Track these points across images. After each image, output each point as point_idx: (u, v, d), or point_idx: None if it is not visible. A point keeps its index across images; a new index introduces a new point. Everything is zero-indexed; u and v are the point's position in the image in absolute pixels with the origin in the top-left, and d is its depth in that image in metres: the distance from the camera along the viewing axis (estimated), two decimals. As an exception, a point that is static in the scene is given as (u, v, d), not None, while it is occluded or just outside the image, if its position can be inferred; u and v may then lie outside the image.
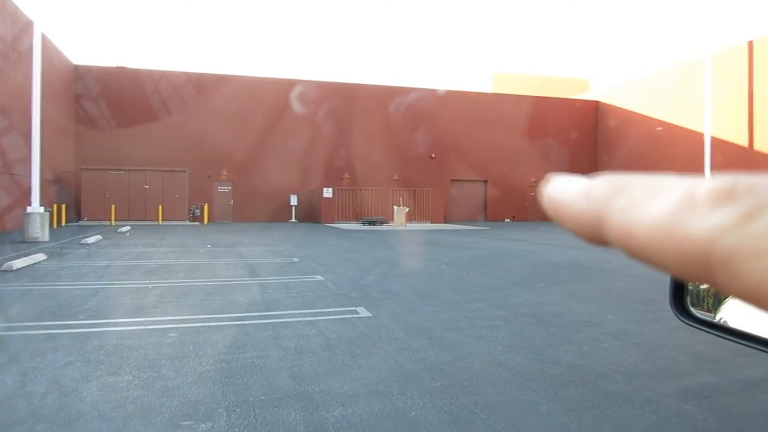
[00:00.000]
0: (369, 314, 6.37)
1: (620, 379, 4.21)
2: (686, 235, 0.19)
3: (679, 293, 0.64)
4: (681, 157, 28.12)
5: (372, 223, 27.33)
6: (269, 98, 29.42)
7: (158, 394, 3.78)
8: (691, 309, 0.63)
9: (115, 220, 26.30)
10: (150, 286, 8.39)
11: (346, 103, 30.62)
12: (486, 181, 33.64)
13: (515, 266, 11.52)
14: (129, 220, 26.54)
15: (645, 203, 0.20)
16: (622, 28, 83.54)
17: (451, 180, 32.65)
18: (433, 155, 31.90)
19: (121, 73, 28.57)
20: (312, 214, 29.76)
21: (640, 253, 0.20)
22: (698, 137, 27.11)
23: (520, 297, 7.67)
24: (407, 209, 28.37)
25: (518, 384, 4.08)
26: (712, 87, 26.71)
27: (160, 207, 27.39)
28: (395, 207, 28.28)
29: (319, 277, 9.28)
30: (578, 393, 3.90)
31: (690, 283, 0.63)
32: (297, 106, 28.89)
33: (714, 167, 25.52)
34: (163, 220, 27.30)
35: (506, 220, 33.04)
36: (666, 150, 29.65)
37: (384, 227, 26.13)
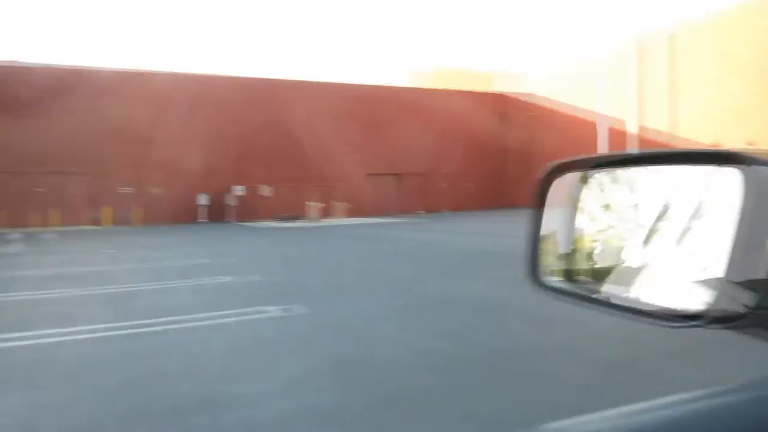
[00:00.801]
0: (283, 312, 6.18)
1: (532, 357, 4.30)
2: None
3: (533, 265, 0.68)
4: (576, 146, 29.50)
5: (287, 219, 26.89)
6: (171, 94, 28.13)
7: (51, 412, 3.43)
8: (544, 278, 0.67)
9: (8, 227, 24.25)
10: (43, 296, 7.73)
11: (256, 98, 29.85)
12: (400, 174, 33.96)
13: (431, 256, 11.65)
14: (21, 225, 24.55)
15: None
16: (527, 21, 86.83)
17: (366, 174, 32.70)
18: (348, 149, 31.81)
19: (8, 69, 26.31)
20: (223, 214, 28.82)
21: None
22: (592, 125, 28.77)
23: (440, 285, 7.73)
24: (321, 205, 28.17)
25: (438, 369, 4.06)
26: (606, 80, 28.30)
27: (56, 210, 25.56)
28: (310, 203, 27.99)
29: (229, 278, 8.95)
30: (497, 374, 3.93)
31: (544, 253, 0.68)
32: (188, 102, 27.81)
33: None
34: (61, 224, 25.50)
35: (419, 212, 33.55)
36: (562, 139, 31.17)
37: (299, 224, 25.79)
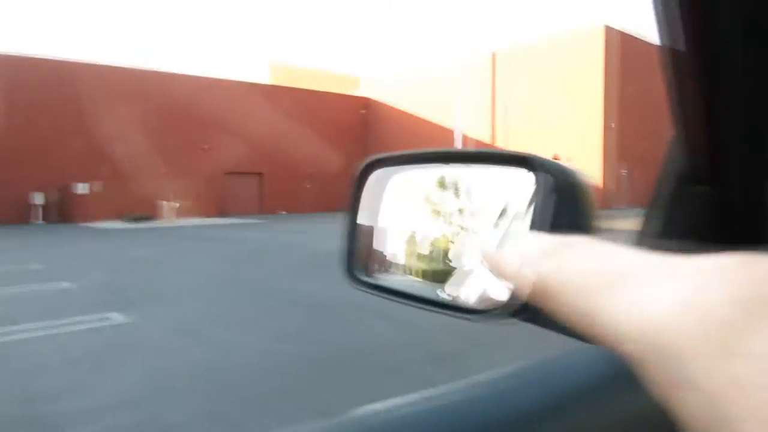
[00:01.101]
0: (125, 319, 5.81)
1: (378, 353, 4.46)
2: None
3: (349, 260, 0.68)
4: (435, 144, 31.20)
5: (137, 220, 25.21)
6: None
7: None
8: (359, 274, 0.68)
9: None
10: None
11: (106, 89, 27.61)
12: (261, 174, 33.32)
13: (286, 258, 11.57)
14: None
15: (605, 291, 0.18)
16: (390, 27, 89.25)
17: (225, 173, 31.63)
18: (205, 147, 30.55)
19: None
20: (64, 214, 26.29)
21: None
22: (450, 133, 30.41)
23: (290, 286, 7.70)
24: (178, 204, 26.78)
25: (284, 370, 4.06)
26: (462, 90, 30.16)
27: None
28: (164, 202, 26.50)
29: (65, 284, 8.21)
30: (343, 371, 4.02)
31: (361, 248, 0.69)
32: (20, 90, 25.19)
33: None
34: None
35: (281, 212, 33.18)
36: (424, 142, 32.60)
37: (152, 224, 24.31)
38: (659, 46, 0.48)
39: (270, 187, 33.59)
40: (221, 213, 30.34)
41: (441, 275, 0.61)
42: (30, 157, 25.68)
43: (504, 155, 0.57)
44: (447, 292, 0.61)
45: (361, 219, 0.68)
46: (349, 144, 35.74)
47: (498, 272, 0.23)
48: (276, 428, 3.19)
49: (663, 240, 0.63)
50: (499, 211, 0.57)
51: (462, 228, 0.60)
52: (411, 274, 0.65)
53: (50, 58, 27.96)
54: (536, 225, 0.47)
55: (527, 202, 0.51)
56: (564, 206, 0.48)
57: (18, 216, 25.73)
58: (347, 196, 0.68)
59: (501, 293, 0.48)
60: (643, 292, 0.15)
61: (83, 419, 3.27)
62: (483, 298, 0.54)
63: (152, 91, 29.12)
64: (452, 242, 0.61)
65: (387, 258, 0.69)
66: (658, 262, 0.16)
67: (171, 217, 25.65)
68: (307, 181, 34.40)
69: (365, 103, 38.09)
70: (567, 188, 0.49)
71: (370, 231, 0.69)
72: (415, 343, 4.79)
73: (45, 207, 26.40)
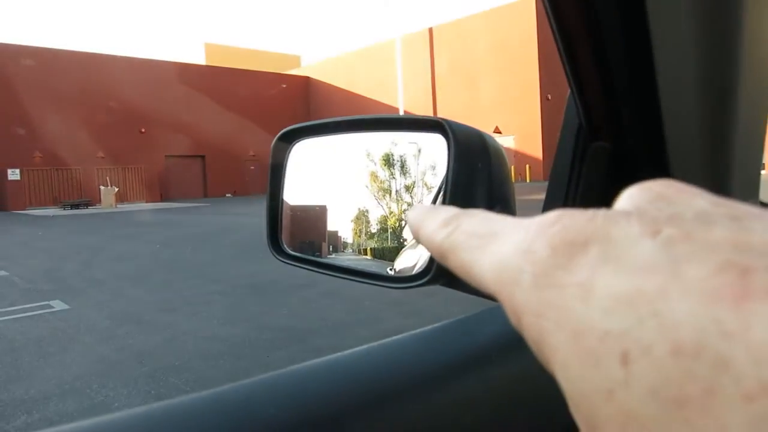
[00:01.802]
0: (66, 306, 5.68)
1: (328, 333, 4.55)
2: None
3: (273, 234, 0.68)
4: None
5: (75, 206, 24.27)
6: None
7: None
8: (285, 247, 0.68)
9: None
10: None
11: (25, 70, 26.21)
12: (203, 156, 32.55)
13: (233, 240, 11.46)
14: None
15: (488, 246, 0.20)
16: (331, 7, 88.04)
17: (166, 156, 30.74)
18: (143, 130, 29.55)
19: None
20: (-6, 201, 25.06)
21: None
22: (394, 111, 30.40)
23: (237, 269, 7.67)
24: (116, 189, 25.93)
25: (232, 354, 4.10)
26: (402, 64, 30.15)
27: None
28: (102, 187, 25.59)
29: (2, 273, 7.91)
30: (289, 353, 4.09)
31: (283, 222, 0.68)
32: None
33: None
34: None
35: (227, 195, 32.60)
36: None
37: (90, 210, 23.47)
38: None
39: (213, 169, 32.88)
40: (164, 197, 29.56)
41: (393, 253, 0.61)
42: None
43: (417, 120, 0.56)
44: (366, 259, 0.63)
45: (284, 192, 0.68)
46: (292, 122, 35.27)
47: (416, 238, 0.26)
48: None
49: (565, 202, 0.63)
50: (408, 175, 0.58)
51: (409, 204, 0.60)
52: (360, 252, 0.64)
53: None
54: (448, 189, 0.48)
55: (439, 166, 0.52)
56: (474, 170, 0.49)
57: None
58: (269, 167, 0.67)
59: (423, 261, 0.52)
60: (497, 246, 0.19)
61: (29, 407, 3.23)
62: (408, 267, 0.55)
63: (87, 74, 27.87)
64: (401, 220, 0.61)
65: (305, 229, 0.70)
66: (517, 222, 0.20)
67: (110, 202, 24.83)
68: (250, 163, 33.82)
69: (306, 82, 37.63)
70: (478, 153, 0.50)
71: (294, 205, 0.69)
72: (363, 321, 4.90)
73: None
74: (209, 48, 43.22)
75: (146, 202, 27.58)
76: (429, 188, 0.56)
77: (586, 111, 0.59)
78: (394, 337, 0.54)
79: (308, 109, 36.93)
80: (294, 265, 0.67)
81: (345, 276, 0.60)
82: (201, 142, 31.76)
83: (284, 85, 36.16)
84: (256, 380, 0.44)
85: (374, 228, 0.63)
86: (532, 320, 0.16)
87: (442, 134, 0.50)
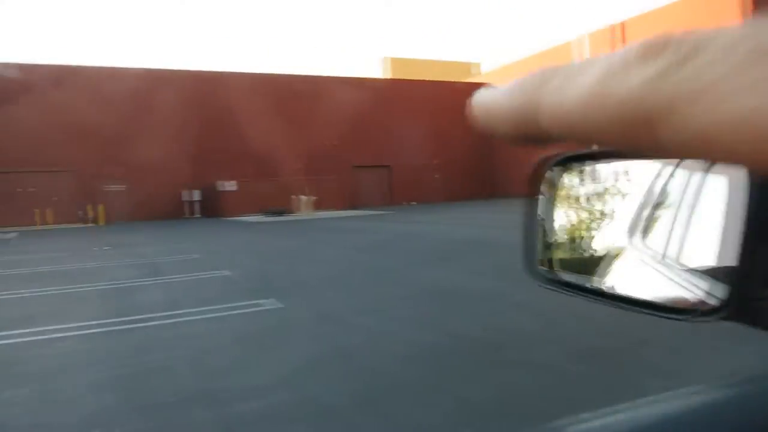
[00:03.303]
0: (278, 305, 6.32)
1: (520, 347, 4.47)
2: (620, 96, 0.18)
3: (528, 256, 0.67)
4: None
5: (278, 213, 26.92)
6: (155, 90, 28.01)
7: (55, 407, 3.56)
8: (544, 271, 0.67)
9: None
10: (41, 293, 7.82)
11: (243, 92, 29.77)
12: (388, 166, 34.08)
13: (419, 247, 11.81)
14: (14, 225, 24.43)
15: (577, 78, 0.20)
16: (508, 12, 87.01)
17: (354, 167, 32.78)
18: (335, 142, 31.85)
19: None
20: (214, 209, 28.82)
21: (578, 132, 0.20)
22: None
23: (425, 276, 7.89)
24: (312, 198, 28.20)
25: (425, 360, 4.23)
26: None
27: (48, 210, 25.46)
28: (300, 196, 28.03)
29: (225, 272, 9.06)
30: (480, 363, 4.10)
31: (542, 246, 0.67)
32: (174, 99, 27.63)
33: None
34: (53, 223, 25.41)
35: (411, 203, 33.70)
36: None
37: (290, 217, 25.84)
38: None
39: (398, 178, 34.22)
40: (352, 205, 31.45)
41: (619, 267, 0.59)
42: (182, 159, 28.32)
43: None
44: (632, 287, 0.59)
45: (539, 212, 0.67)
46: (474, 132, 35.27)
47: (489, 111, 0.23)
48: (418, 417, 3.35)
49: None
50: (679, 205, 0.55)
51: (645, 221, 0.58)
52: (587, 267, 0.63)
53: (203, 70, 30.52)
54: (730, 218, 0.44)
55: (715, 195, 0.48)
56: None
57: (173, 212, 28.59)
58: (525, 192, 0.67)
59: (688, 290, 0.49)
60: (592, 70, 0.19)
61: (251, 396, 3.64)
62: (669, 296, 0.52)
63: (283, 93, 30.79)
64: (632, 235, 0.60)
65: (565, 251, 0.68)
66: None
67: (306, 210, 27.09)
68: (434, 172, 34.61)
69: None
70: None
71: (552, 226, 0.68)
72: (557, 337, 4.74)
73: (195, 203, 29.03)
74: (388, 62, 45.15)
75: (337, 210, 29.63)
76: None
77: None
78: None
79: (489, 116, 36.72)
80: (551, 289, 0.66)
81: (613, 303, 0.58)
82: (386, 152, 33.32)
83: (463, 93, 36.44)
84: None
85: (637, 257, 0.60)
86: (687, 108, 0.16)
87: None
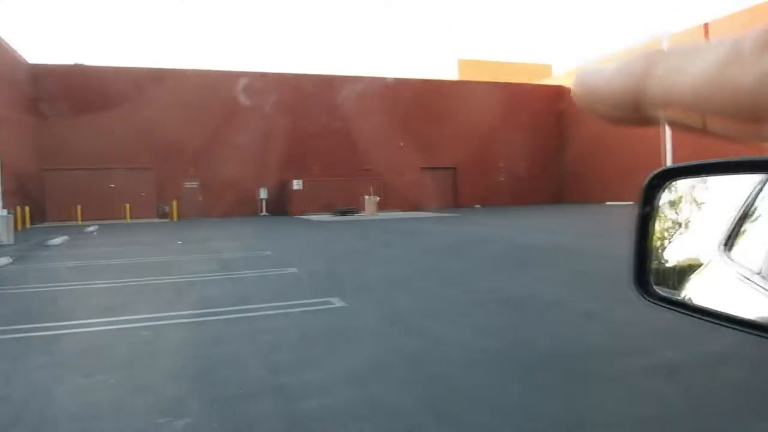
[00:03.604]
0: (344, 304, 6.40)
1: (590, 359, 4.33)
2: (735, 84, 0.18)
3: (641, 272, 0.65)
4: (640, 142, 28.58)
5: (343, 213, 27.28)
6: (230, 91, 28.99)
7: (132, 393, 3.75)
8: (653, 288, 0.65)
9: (82, 220, 25.69)
10: (121, 285, 8.27)
11: (311, 93, 30.37)
12: (455, 168, 33.84)
13: (485, 251, 11.67)
14: (96, 219, 25.92)
15: (688, 64, 0.20)
16: (582, 11, 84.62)
17: (421, 168, 32.75)
18: (401, 143, 31.93)
19: (78, 71, 27.82)
20: (282, 207, 29.56)
21: (686, 117, 0.20)
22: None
23: (491, 281, 7.79)
24: (378, 198, 28.39)
25: (491, 367, 4.17)
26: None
27: (128, 205, 26.86)
28: (366, 197, 28.28)
29: (292, 269, 9.27)
30: (550, 374, 4.00)
31: (652, 261, 0.66)
32: (246, 99, 28.42)
33: (674, 150, 26.11)
34: (131, 218, 26.79)
35: (476, 205, 33.34)
36: (625, 135, 30.23)
37: (355, 217, 26.13)
38: None
39: (463, 180, 33.95)
40: (417, 207, 31.44)
41: (738, 287, 0.56)
42: (251, 158, 29.15)
43: None
44: (756, 309, 0.56)
45: (650, 228, 0.64)
46: (542, 134, 34.58)
47: (592, 91, 0.22)
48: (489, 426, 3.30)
49: None
50: None
51: (761, 239, 0.56)
52: (700, 287, 0.60)
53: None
54: None
55: None
56: None
57: (242, 209, 29.54)
58: (635, 206, 0.65)
59: None
60: (710, 48, 0.19)
61: (318, 392, 3.71)
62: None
63: (350, 93, 31.15)
64: (748, 252, 0.57)
65: (675, 270, 0.65)
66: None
67: (372, 210, 27.29)
68: (500, 175, 34.11)
69: (557, 92, 36.36)
70: None
71: (656, 241, 0.65)
72: (630, 350, 4.56)
73: (262, 201, 29.86)
74: (462, 63, 44.83)
75: (402, 211, 29.69)
76: None
77: None
78: None
79: (559, 119, 35.84)
80: (664, 308, 0.64)
81: (729, 325, 0.54)
82: (452, 154, 33.12)
83: (534, 96, 35.69)
84: None
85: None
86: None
87: None
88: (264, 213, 29.74)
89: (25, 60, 26.42)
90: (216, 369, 4.23)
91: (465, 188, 33.90)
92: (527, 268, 9.10)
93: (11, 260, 11.26)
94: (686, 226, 0.66)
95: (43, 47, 75.88)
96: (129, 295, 7.44)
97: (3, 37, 21.52)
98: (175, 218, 27.77)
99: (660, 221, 0.67)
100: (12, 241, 15.07)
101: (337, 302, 6.50)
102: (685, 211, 0.66)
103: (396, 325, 5.49)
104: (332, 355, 4.57)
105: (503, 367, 4.17)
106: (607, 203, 30.54)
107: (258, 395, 3.65)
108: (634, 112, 0.21)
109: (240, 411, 3.39)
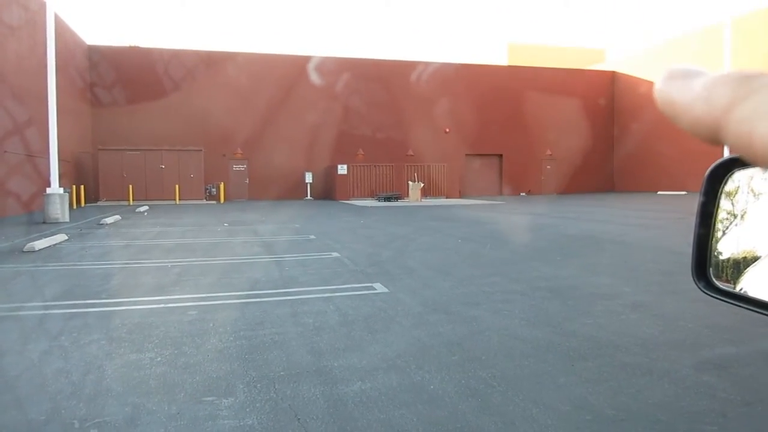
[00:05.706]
0: (386, 290, 6.41)
1: (638, 351, 4.21)
2: None
3: (701, 264, 0.64)
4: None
5: (387, 199, 27.33)
6: (279, 75, 29.28)
7: (180, 371, 3.85)
8: (714, 280, 0.64)
9: (133, 200, 26.58)
10: (170, 264, 8.51)
11: (357, 78, 30.36)
12: (501, 156, 33.37)
13: (530, 240, 11.48)
14: (146, 199, 26.78)
15: None
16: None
17: (466, 155, 32.43)
18: (447, 130, 31.65)
19: (134, 52, 28.59)
20: (327, 192, 29.82)
21: (762, 163, 0.20)
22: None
23: (536, 270, 7.66)
24: (422, 185, 28.30)
25: (535, 357, 4.10)
26: (731, 53, 26.04)
27: (177, 186, 27.59)
28: (410, 183, 28.22)
29: (335, 254, 9.34)
30: (595, 365, 3.91)
31: (712, 254, 0.64)
32: (314, 80, 28.64)
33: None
34: (180, 199, 27.53)
35: (522, 194, 32.84)
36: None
37: (399, 203, 26.13)
38: None
39: (510, 168, 33.45)
40: (462, 194, 31.20)
41: None
42: (304, 142, 29.45)
43: None
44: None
45: (713, 220, 0.62)
46: (594, 122, 33.62)
47: (672, 106, 0.22)
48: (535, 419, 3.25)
49: None
50: None
51: None
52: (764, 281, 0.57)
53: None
54: None
55: None
56: None
57: (295, 193, 29.96)
58: (698, 196, 0.63)
59: None
60: None
61: (360, 376, 3.72)
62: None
63: (397, 79, 30.97)
64: None
65: (739, 263, 0.62)
66: None
67: (416, 196, 27.22)
68: (547, 162, 33.46)
69: (610, 78, 35.23)
70: None
71: (720, 233, 0.63)
72: (679, 344, 4.41)
73: (307, 185, 30.20)
74: (512, 48, 43.98)
75: (446, 197, 29.51)
76: None
77: None
78: None
79: (613, 105, 34.79)
80: (724, 301, 0.62)
81: None
82: (499, 141, 32.64)
83: (586, 81, 34.72)
84: None
85: None
86: None
87: None
88: (309, 197, 30.06)
89: (83, 41, 27.30)
90: (259, 350, 4.30)
91: (511, 176, 33.41)
92: (574, 257, 8.90)
93: (67, 237, 11.73)
94: (745, 218, 0.63)
95: (98, 28, 78.22)
96: (177, 274, 7.65)
97: (61, 17, 22.24)
98: (222, 200, 28.37)
99: (721, 212, 0.64)
100: (67, 219, 15.71)
101: (379, 288, 6.52)
102: (745, 203, 0.63)
103: (438, 311, 5.46)
104: (374, 340, 4.59)
105: (547, 357, 4.10)
106: (659, 193, 29.58)
107: (300, 377, 3.70)
108: (711, 140, 0.22)
109: (282, 392, 3.44)
